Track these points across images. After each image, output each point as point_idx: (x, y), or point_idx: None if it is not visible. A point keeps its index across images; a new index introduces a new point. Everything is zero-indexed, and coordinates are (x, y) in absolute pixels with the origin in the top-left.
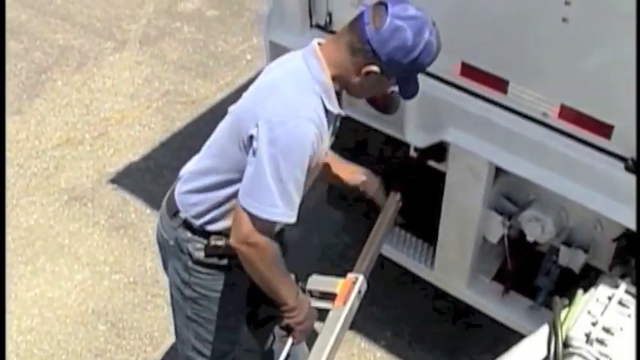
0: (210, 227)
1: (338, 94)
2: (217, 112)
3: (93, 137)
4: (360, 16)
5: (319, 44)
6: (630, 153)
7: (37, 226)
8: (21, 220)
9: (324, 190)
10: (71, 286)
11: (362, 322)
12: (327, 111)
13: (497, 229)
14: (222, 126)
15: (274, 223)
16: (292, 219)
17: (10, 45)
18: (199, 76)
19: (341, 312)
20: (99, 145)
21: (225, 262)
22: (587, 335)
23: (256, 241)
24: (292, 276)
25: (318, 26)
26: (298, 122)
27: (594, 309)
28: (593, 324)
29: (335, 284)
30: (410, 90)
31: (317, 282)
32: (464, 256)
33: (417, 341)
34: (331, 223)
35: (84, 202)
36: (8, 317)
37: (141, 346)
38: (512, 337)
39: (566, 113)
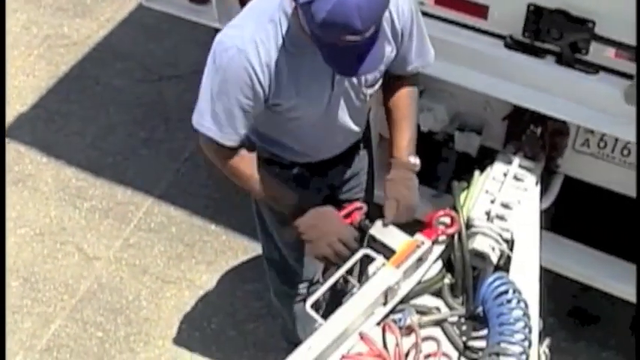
0: None
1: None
2: (101, 51)
3: None
4: None
5: None
6: (508, 31)
7: None
8: None
9: None
10: None
11: None
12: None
13: None
14: None
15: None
16: (221, 139)
17: None
18: (78, 15)
19: (389, 275)
20: None
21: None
22: (488, 213)
23: (208, 148)
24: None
25: None
26: (233, 53)
27: (491, 187)
28: (492, 202)
29: (400, 241)
30: (329, 57)
31: (382, 231)
32: None
33: None
34: None
35: None
36: None
37: (57, 295)
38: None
39: None
